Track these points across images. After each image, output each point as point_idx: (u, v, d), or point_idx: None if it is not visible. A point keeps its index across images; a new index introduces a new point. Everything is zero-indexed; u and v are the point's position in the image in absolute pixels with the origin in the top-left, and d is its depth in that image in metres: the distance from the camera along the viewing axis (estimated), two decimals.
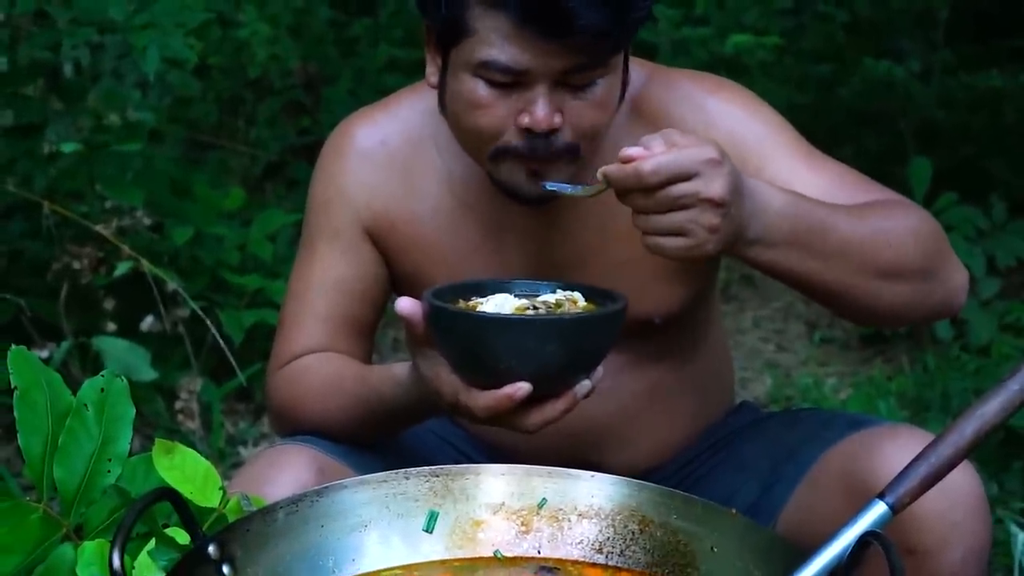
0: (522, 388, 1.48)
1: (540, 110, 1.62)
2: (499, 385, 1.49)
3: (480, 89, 1.64)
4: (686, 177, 1.45)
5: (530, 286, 1.63)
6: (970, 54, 5.29)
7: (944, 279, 1.72)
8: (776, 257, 1.58)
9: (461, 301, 1.58)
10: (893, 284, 1.66)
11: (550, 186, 1.64)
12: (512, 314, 1.53)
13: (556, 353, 1.48)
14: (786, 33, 5.46)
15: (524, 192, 1.70)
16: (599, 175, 1.49)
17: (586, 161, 1.70)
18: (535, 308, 1.55)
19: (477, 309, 1.55)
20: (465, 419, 1.56)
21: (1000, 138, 4.73)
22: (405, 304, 1.54)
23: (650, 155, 1.45)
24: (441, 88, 1.72)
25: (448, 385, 1.54)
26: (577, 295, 1.60)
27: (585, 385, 1.53)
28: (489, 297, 1.58)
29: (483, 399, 1.51)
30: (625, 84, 1.73)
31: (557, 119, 1.63)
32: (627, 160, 1.46)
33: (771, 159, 1.74)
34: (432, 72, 1.73)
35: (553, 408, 1.52)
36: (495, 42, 1.60)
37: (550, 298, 1.59)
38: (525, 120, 1.63)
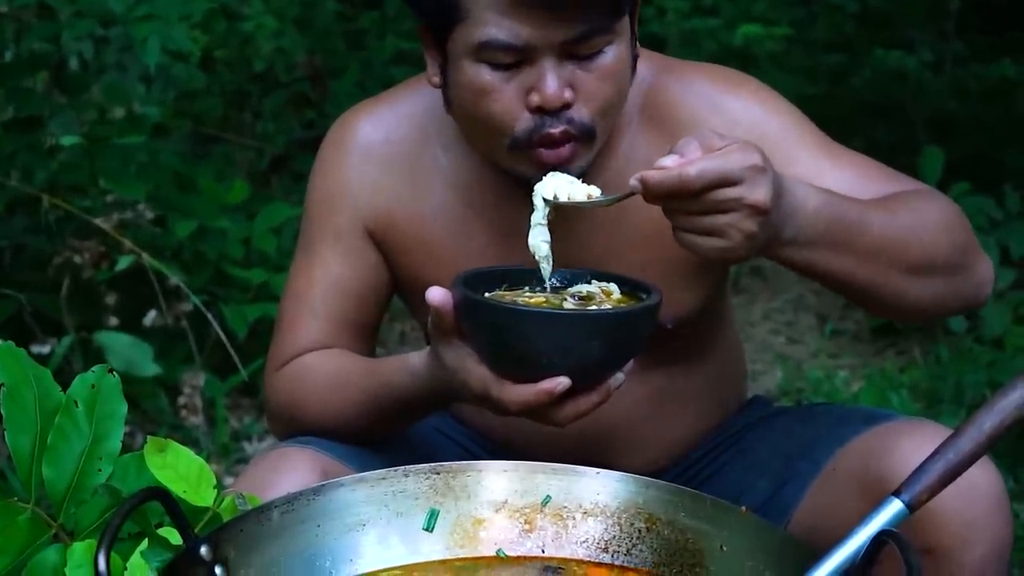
0: (562, 383, 1.45)
1: (549, 85, 1.56)
2: (534, 379, 1.46)
3: (485, 74, 1.58)
4: (731, 182, 1.41)
5: (562, 274, 1.58)
6: (982, 44, 5.26)
7: (972, 271, 1.69)
8: (810, 257, 1.54)
9: (485, 291, 1.54)
10: (925, 279, 1.62)
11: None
12: (554, 309, 1.49)
13: (597, 348, 1.45)
14: (796, 23, 5.44)
15: None
16: (633, 181, 1.42)
17: (601, 161, 1.67)
18: (568, 299, 1.52)
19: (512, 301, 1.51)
20: (494, 412, 1.52)
21: (1013, 128, 4.69)
22: (436, 293, 1.50)
23: (691, 160, 1.41)
24: (445, 86, 1.67)
25: (477, 377, 1.51)
26: (613, 287, 1.57)
27: (618, 377, 1.51)
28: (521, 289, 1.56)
29: (517, 393, 1.47)
30: (635, 57, 1.67)
31: (568, 94, 1.57)
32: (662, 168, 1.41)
33: (795, 157, 1.70)
34: (434, 72, 1.68)
35: (587, 401, 1.49)
36: (492, 20, 1.55)
37: (582, 289, 1.56)
38: (535, 100, 1.57)
